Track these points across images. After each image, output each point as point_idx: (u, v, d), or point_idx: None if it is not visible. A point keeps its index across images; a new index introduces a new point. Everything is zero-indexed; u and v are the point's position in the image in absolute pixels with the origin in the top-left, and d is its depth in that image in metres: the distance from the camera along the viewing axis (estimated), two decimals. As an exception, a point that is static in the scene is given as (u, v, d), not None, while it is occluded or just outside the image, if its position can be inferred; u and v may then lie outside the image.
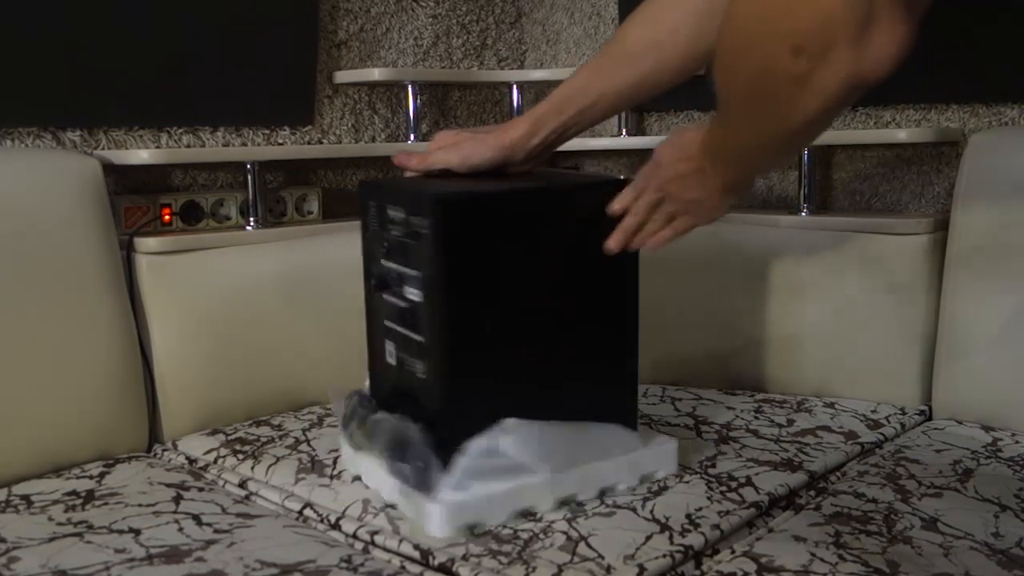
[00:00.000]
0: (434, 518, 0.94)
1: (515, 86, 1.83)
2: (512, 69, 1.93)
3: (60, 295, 1.18)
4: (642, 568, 0.88)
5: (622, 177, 1.04)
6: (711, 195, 0.97)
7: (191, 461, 1.23)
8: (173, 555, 0.91)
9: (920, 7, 0.61)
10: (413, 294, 0.97)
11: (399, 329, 1.00)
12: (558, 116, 1.06)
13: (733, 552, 0.93)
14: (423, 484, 0.94)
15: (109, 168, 1.31)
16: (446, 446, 0.94)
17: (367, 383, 1.10)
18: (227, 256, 1.37)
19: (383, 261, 1.01)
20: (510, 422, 0.97)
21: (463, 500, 0.94)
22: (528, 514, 0.98)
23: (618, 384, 1.08)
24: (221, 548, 0.93)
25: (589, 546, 0.92)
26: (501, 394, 0.98)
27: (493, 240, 0.95)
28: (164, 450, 1.27)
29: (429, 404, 0.97)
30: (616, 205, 1.00)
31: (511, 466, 0.96)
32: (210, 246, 1.36)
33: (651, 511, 0.99)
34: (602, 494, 1.04)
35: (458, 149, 1.05)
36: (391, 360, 1.03)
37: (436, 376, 0.96)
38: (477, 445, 0.95)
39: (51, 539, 0.95)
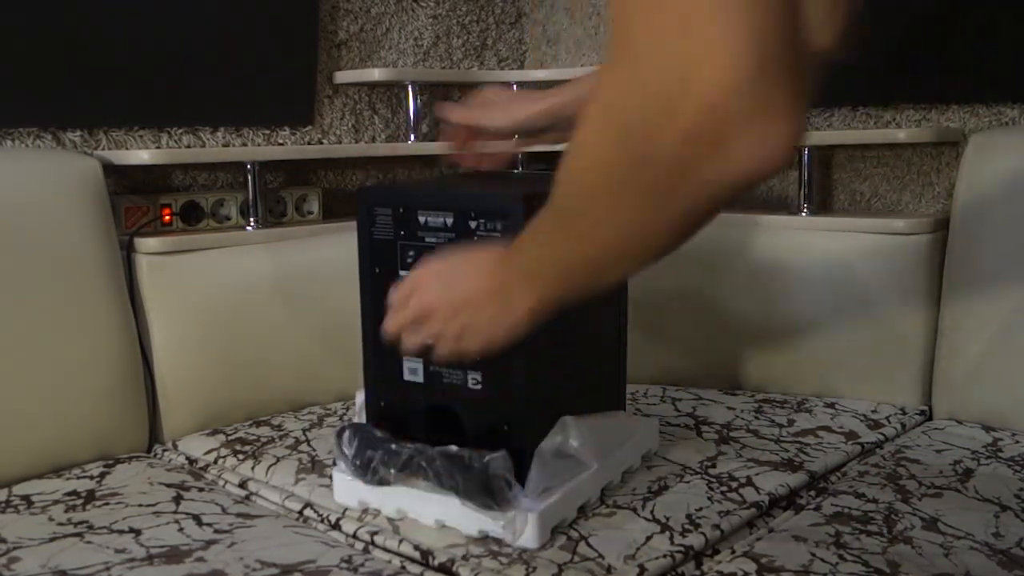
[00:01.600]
0: (531, 529, 0.91)
1: (515, 86, 1.83)
2: (512, 69, 1.93)
3: (60, 295, 1.18)
4: (642, 568, 0.88)
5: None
6: (510, 317, 0.80)
7: (191, 461, 1.23)
8: (173, 555, 0.91)
9: (810, 94, 0.57)
10: None
11: None
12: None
13: (733, 552, 0.93)
14: (507, 503, 0.91)
15: (109, 168, 1.31)
16: (523, 452, 0.93)
17: (358, 404, 1.07)
18: (227, 256, 1.37)
19: (405, 271, 0.99)
20: (569, 420, 0.97)
21: (550, 504, 0.93)
22: (585, 508, 1.00)
23: (615, 371, 1.13)
24: (221, 548, 0.93)
25: (589, 546, 0.92)
26: (555, 392, 0.99)
27: None
28: (164, 450, 1.27)
29: (492, 413, 0.96)
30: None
31: (572, 463, 0.97)
32: (210, 246, 1.36)
33: (651, 511, 0.99)
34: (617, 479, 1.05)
35: (505, 110, 1.03)
36: (414, 377, 1.01)
37: (510, 383, 0.94)
38: (548, 446, 0.95)
39: (51, 539, 0.95)
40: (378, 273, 1.01)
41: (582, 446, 0.97)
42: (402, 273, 0.99)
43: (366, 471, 0.98)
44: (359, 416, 1.06)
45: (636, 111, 0.57)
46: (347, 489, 1.02)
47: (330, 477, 1.06)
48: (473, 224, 0.94)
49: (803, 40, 0.55)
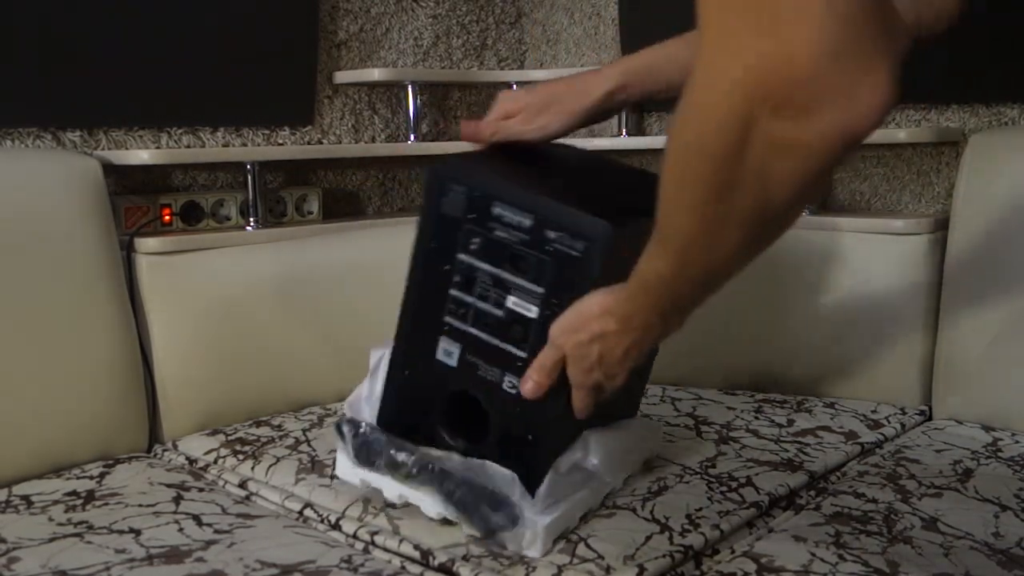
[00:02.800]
0: (538, 543, 0.90)
1: (515, 86, 1.83)
2: (512, 69, 1.93)
3: (60, 295, 1.18)
4: (642, 568, 0.88)
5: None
6: (646, 344, 0.85)
7: (191, 461, 1.23)
8: (173, 555, 0.91)
9: (903, 45, 0.56)
10: (523, 307, 0.91)
11: (481, 335, 0.94)
12: (648, 76, 1.00)
13: (733, 552, 0.93)
14: (514, 522, 0.90)
15: (109, 168, 1.31)
16: (541, 463, 0.92)
17: (372, 363, 1.03)
18: (227, 256, 1.37)
19: (465, 256, 0.93)
20: (591, 435, 0.97)
21: (558, 516, 0.92)
22: (587, 515, 0.99)
23: (639, 381, 1.11)
24: (221, 548, 0.93)
25: (589, 546, 0.92)
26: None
27: (619, 261, 0.87)
28: (164, 450, 1.27)
29: (520, 421, 0.93)
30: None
31: (585, 475, 0.97)
32: (210, 246, 1.36)
33: (651, 511, 0.99)
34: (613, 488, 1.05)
35: (534, 121, 0.98)
36: (447, 360, 0.96)
37: (546, 396, 0.90)
38: (566, 461, 0.95)
39: (51, 539, 0.95)
40: (433, 248, 0.94)
41: (601, 463, 0.97)
42: (460, 256, 0.93)
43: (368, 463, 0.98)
44: (371, 376, 1.02)
45: (722, 97, 0.56)
46: (350, 469, 1.00)
47: (330, 477, 1.06)
48: (551, 235, 0.88)
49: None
